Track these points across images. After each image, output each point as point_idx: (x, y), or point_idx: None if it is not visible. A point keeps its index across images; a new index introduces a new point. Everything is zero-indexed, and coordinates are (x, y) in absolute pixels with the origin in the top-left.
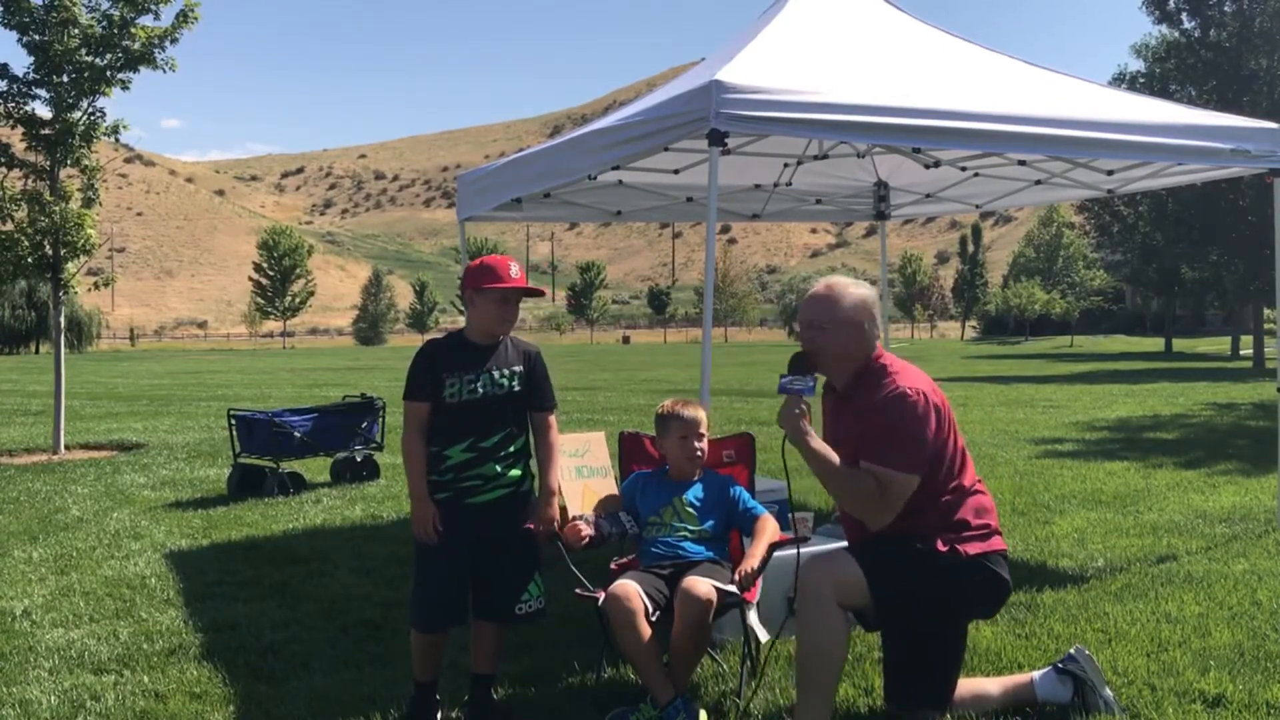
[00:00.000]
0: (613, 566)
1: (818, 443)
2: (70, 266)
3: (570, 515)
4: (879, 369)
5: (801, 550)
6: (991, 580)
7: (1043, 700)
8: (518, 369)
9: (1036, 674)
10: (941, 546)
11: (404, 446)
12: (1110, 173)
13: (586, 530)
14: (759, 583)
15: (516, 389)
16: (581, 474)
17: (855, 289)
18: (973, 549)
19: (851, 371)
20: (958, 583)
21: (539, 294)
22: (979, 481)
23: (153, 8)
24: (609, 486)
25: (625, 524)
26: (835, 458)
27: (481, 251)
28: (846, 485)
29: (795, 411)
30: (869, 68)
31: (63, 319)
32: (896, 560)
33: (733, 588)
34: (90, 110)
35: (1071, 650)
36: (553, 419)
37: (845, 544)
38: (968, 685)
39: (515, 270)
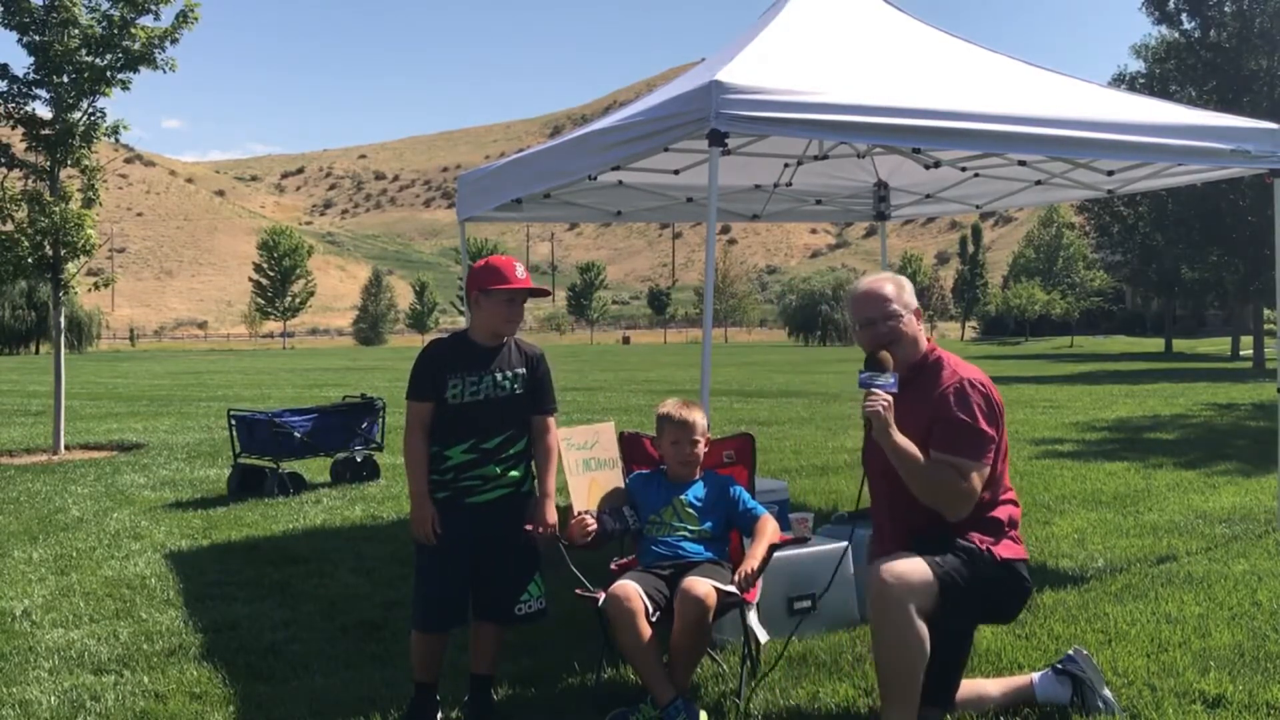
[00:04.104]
0: (613, 567)
1: (901, 437)
2: (70, 267)
3: (576, 510)
4: (936, 360)
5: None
6: (1019, 585)
7: (1042, 700)
8: (520, 371)
9: (1036, 675)
10: (980, 545)
11: (406, 446)
12: (1110, 173)
13: (592, 525)
14: (759, 583)
15: (518, 391)
16: (589, 466)
17: (900, 279)
18: (1005, 552)
19: (915, 360)
20: (993, 584)
21: (545, 294)
22: (1011, 488)
23: (153, 8)
24: (616, 479)
25: (629, 519)
26: (918, 452)
27: (482, 252)
28: (931, 477)
29: (882, 407)
30: (869, 68)
31: (63, 319)
32: (955, 560)
33: (733, 588)
34: (90, 110)
35: (1070, 651)
36: (552, 422)
37: (878, 546)
38: (968, 686)
39: (521, 271)
